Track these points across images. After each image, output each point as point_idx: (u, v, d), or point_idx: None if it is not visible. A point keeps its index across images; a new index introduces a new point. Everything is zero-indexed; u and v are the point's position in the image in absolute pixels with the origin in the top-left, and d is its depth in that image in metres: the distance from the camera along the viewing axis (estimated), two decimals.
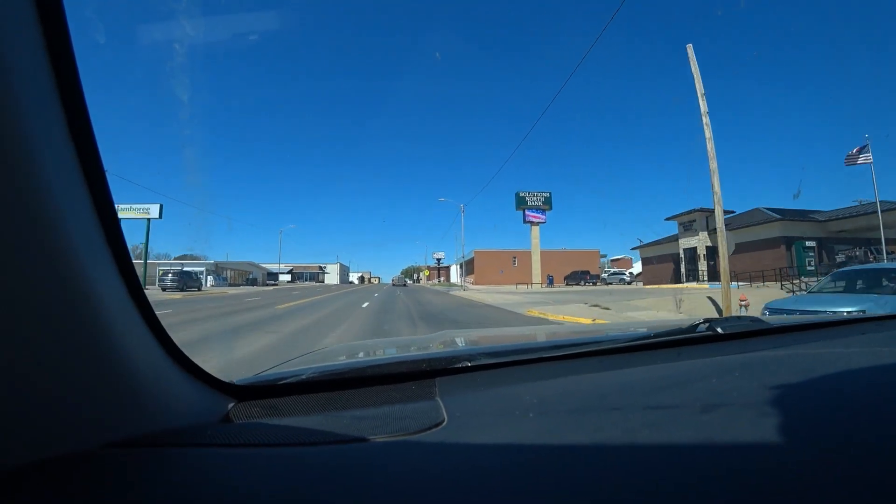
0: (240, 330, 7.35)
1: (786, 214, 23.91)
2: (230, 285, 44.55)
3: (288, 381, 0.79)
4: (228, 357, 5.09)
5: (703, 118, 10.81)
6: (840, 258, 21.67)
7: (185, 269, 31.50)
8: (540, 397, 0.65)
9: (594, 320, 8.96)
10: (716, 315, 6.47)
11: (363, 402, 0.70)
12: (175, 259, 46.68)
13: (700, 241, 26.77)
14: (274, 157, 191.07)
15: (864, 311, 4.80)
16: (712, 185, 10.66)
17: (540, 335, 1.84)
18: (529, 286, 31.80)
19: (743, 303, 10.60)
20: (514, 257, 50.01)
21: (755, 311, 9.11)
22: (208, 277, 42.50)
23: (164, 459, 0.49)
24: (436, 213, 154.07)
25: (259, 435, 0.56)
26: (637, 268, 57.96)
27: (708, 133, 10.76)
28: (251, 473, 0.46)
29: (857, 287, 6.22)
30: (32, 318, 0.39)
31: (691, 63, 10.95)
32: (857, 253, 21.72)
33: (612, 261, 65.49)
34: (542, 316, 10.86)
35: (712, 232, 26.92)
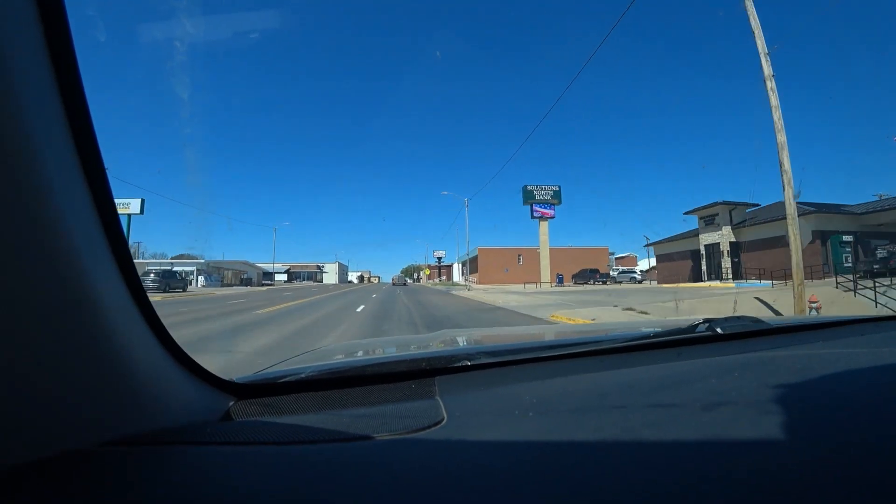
0: (195, 344, 5.52)
1: (819, 207, 21.99)
2: (223, 285, 42.67)
3: (288, 379, 0.79)
4: None
5: (767, 83, 8.88)
6: (881, 253, 19.78)
7: (169, 268, 29.46)
8: (540, 397, 0.65)
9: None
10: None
11: (363, 401, 0.70)
12: (172, 258, 44.81)
13: (723, 236, 24.86)
14: (274, 156, 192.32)
15: None
16: (780, 163, 8.75)
17: (540, 335, 1.85)
18: (538, 285, 29.92)
19: (813, 305, 8.75)
20: (519, 255, 47.91)
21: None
22: (199, 277, 40.60)
23: (164, 458, 0.49)
24: (436, 213, 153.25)
25: (259, 433, 0.56)
26: (642, 265, 56.56)
27: (774, 100, 8.83)
28: (251, 472, 0.46)
29: None
30: (32, 318, 0.39)
31: (750, 17, 9.01)
32: None
33: (617, 259, 63.67)
34: (571, 322, 9.01)
35: (738, 226, 25.11)
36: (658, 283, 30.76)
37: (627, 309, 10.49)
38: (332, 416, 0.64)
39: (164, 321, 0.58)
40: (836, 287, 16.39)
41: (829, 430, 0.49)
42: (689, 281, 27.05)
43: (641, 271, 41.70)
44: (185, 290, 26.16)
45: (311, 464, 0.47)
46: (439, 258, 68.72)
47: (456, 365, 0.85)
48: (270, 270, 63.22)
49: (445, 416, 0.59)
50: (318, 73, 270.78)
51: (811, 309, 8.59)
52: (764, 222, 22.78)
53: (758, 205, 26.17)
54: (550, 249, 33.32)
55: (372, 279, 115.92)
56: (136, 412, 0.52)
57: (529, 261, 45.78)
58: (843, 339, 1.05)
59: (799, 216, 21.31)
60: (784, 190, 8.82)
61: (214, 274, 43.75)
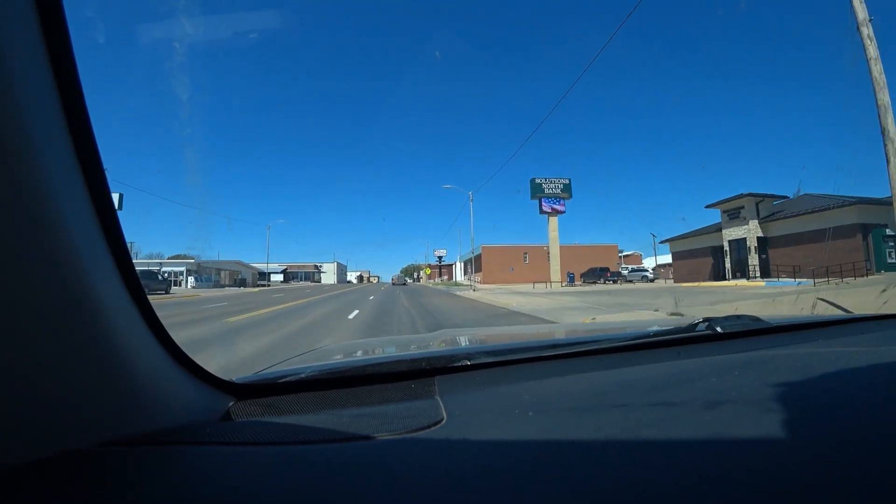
0: None
1: (860, 199, 20.06)
2: (215, 286, 40.79)
3: (288, 379, 0.79)
4: None
5: (862, 29, 6.99)
6: None
7: (153, 268, 27.52)
8: (540, 396, 0.65)
9: None
10: None
11: (363, 401, 0.70)
12: (169, 258, 42.95)
13: (750, 230, 22.94)
14: (274, 156, 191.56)
15: None
16: (884, 130, 6.87)
17: (540, 334, 1.86)
18: (548, 285, 27.95)
19: None
20: (525, 253, 45.82)
21: None
22: (189, 278, 38.74)
23: (163, 458, 0.49)
24: (436, 213, 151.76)
25: (259, 433, 0.56)
26: (646, 263, 54.77)
27: (872, 51, 6.94)
28: (251, 472, 0.46)
29: None
30: (32, 318, 0.39)
31: None
32: None
33: (622, 257, 61.74)
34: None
35: (765, 220, 23.02)
36: (675, 281, 28.87)
37: (674, 314, 8.64)
38: (332, 416, 0.63)
39: None
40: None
41: (830, 429, 0.49)
42: (710, 279, 25.16)
43: (653, 270, 39.79)
44: (167, 293, 24.23)
45: (311, 464, 0.47)
46: (440, 257, 66.79)
47: (456, 364, 0.85)
48: (266, 271, 61.33)
49: (445, 415, 0.59)
50: (317, 73, 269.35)
51: None
52: (797, 215, 20.87)
53: (785, 197, 24.30)
54: (559, 247, 31.40)
55: (371, 279, 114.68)
56: (135, 412, 0.52)
57: (536, 259, 43.87)
58: (843, 338, 1.05)
59: (837, 207, 19.55)
60: (888, 163, 6.89)
61: (205, 274, 41.84)
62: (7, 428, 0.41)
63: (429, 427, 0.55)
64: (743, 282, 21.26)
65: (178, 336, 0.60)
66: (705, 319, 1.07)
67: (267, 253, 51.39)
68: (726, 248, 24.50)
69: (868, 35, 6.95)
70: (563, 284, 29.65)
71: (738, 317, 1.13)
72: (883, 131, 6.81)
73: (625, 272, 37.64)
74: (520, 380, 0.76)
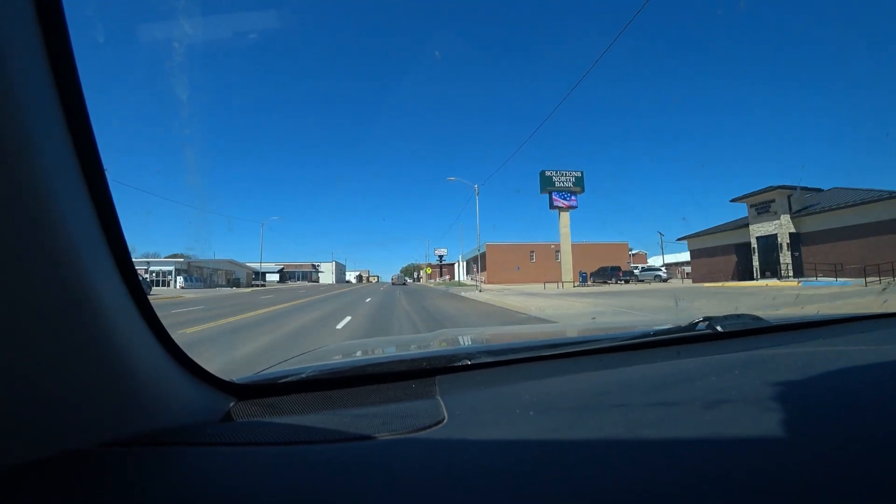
0: None
1: None
2: (206, 286, 38.89)
3: (288, 379, 0.78)
4: None
5: None
6: None
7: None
8: (540, 395, 0.65)
9: None
10: None
11: (364, 401, 0.70)
12: (166, 258, 40.98)
13: (781, 226, 21.06)
14: (274, 156, 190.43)
15: None
16: None
17: (540, 334, 1.85)
18: (560, 285, 25.98)
19: None
20: (531, 252, 43.67)
21: None
22: (178, 278, 36.82)
23: (164, 458, 0.49)
24: (436, 213, 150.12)
25: (260, 434, 0.56)
26: (652, 262, 52.96)
27: None
28: (252, 472, 0.46)
29: None
30: (32, 318, 0.39)
31: None
32: None
33: (631, 256, 59.88)
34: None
35: (798, 214, 20.41)
36: (693, 281, 27.01)
37: None
38: (333, 416, 0.63)
39: None
40: None
41: (831, 428, 0.49)
42: (735, 279, 23.31)
43: (665, 269, 37.90)
44: (147, 294, 22.29)
45: (312, 464, 0.47)
46: (440, 256, 65.02)
47: (456, 364, 0.84)
48: (262, 270, 59.43)
49: (446, 415, 0.58)
50: (317, 73, 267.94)
51: None
52: (835, 209, 18.99)
53: (818, 189, 22.43)
54: (562, 246, 29.43)
55: (371, 278, 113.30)
56: (136, 412, 0.51)
57: (543, 258, 41.94)
58: (844, 337, 1.04)
59: (881, 200, 17.61)
60: None
61: (196, 274, 39.94)
62: (7, 428, 0.40)
63: (430, 427, 0.55)
64: (774, 282, 19.38)
65: None
66: (705, 318, 1.07)
67: (261, 252, 49.55)
68: (754, 244, 22.61)
69: None
70: (576, 284, 27.72)
71: (738, 316, 1.12)
72: None
73: (636, 271, 35.75)
74: (520, 379, 0.75)
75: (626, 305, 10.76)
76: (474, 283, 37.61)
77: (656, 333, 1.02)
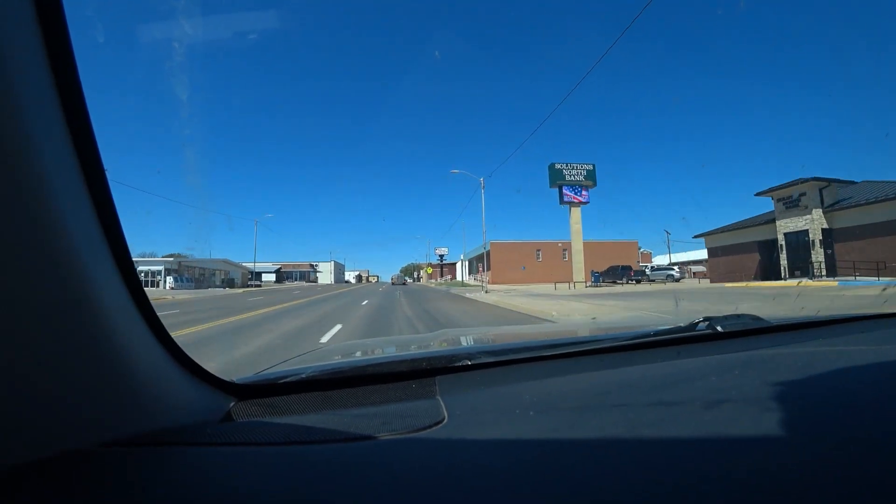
0: None
1: None
2: (197, 287, 37.28)
3: (288, 379, 0.78)
4: None
5: None
6: None
7: None
8: (540, 395, 0.65)
9: None
10: None
11: (364, 401, 0.70)
12: (163, 257, 39.37)
13: (813, 221, 19.41)
14: (274, 156, 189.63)
15: None
16: None
17: (540, 334, 1.84)
18: (572, 285, 24.33)
19: None
20: (537, 250, 41.82)
21: None
22: (168, 278, 35.20)
23: (164, 458, 0.49)
24: (436, 213, 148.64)
25: (260, 434, 0.56)
26: (657, 261, 51.49)
27: None
28: (252, 472, 0.46)
29: None
30: (32, 318, 0.39)
31: None
32: None
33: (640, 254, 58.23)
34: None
35: (830, 209, 18.51)
36: (711, 281, 25.41)
37: None
38: (333, 416, 0.63)
39: None
40: None
41: (831, 428, 0.49)
42: (758, 279, 21.70)
43: (678, 268, 36.27)
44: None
45: (312, 464, 0.47)
46: (441, 256, 63.31)
47: (456, 364, 0.84)
48: (259, 270, 57.79)
49: (446, 415, 0.58)
50: (317, 73, 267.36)
51: None
52: (876, 202, 17.36)
53: (852, 182, 20.81)
54: (573, 243, 27.76)
55: (370, 278, 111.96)
56: (136, 412, 0.51)
57: (549, 257, 40.29)
58: (844, 337, 1.03)
59: None
60: None
61: (187, 274, 38.32)
62: (7, 428, 0.40)
63: (430, 427, 0.55)
64: (807, 281, 17.78)
65: None
66: (705, 319, 1.06)
67: (255, 250, 47.98)
68: (781, 241, 20.97)
69: None
70: (588, 284, 26.10)
71: (738, 316, 1.12)
72: None
73: (647, 271, 34.13)
74: (520, 379, 0.75)
75: (668, 310, 9.11)
76: (477, 283, 35.93)
77: (657, 334, 1.01)
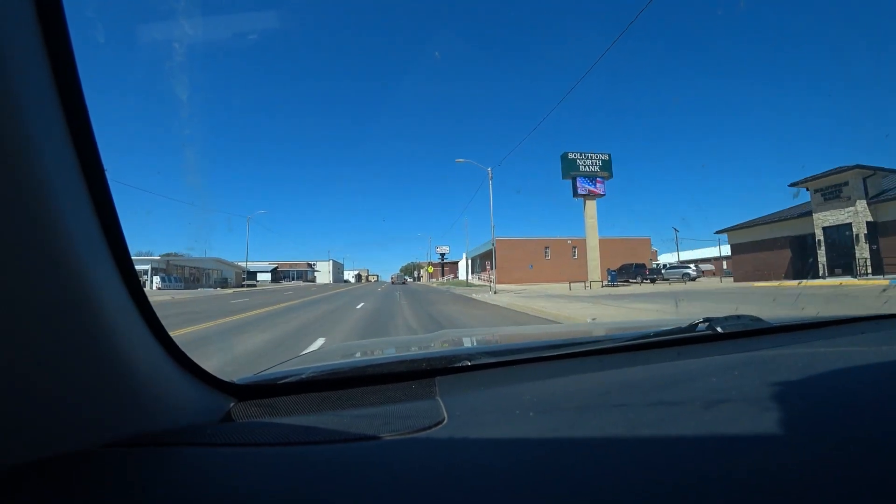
0: None
1: None
2: (187, 287, 35.43)
3: (288, 380, 0.78)
4: None
5: None
6: None
7: None
8: (541, 396, 0.65)
9: None
10: None
11: (363, 401, 0.70)
12: (161, 256, 37.51)
13: (857, 213, 17.56)
14: (274, 156, 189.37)
15: None
16: None
17: (540, 334, 1.83)
18: (588, 285, 22.50)
19: None
20: (546, 247, 39.75)
21: None
22: (154, 278, 33.33)
23: (164, 459, 0.49)
24: (436, 213, 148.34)
25: (259, 434, 0.56)
26: (663, 259, 49.70)
27: None
28: (252, 473, 0.46)
29: None
30: (32, 319, 0.39)
31: None
32: None
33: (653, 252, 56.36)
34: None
35: (876, 200, 16.43)
36: (735, 280, 23.56)
37: None
38: (333, 417, 0.64)
39: None
40: None
41: (831, 428, 0.49)
42: (789, 277, 19.88)
43: (694, 266, 34.40)
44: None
45: (312, 464, 0.47)
46: (442, 254, 61.42)
47: (456, 365, 0.84)
48: (254, 269, 55.92)
49: (446, 415, 0.59)
50: (317, 73, 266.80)
51: None
52: None
53: (894, 170, 18.94)
54: (582, 240, 25.82)
55: (370, 277, 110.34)
56: (136, 413, 0.52)
57: (558, 254, 38.35)
58: (844, 338, 1.03)
59: None
60: None
61: (176, 273, 36.44)
62: (7, 428, 0.40)
63: (430, 427, 0.55)
64: (850, 280, 15.96)
65: None
66: (706, 319, 1.07)
67: (247, 249, 46.15)
68: (819, 236, 19.12)
69: None
70: (604, 284, 24.26)
71: (739, 317, 1.13)
72: None
73: (662, 269, 32.27)
74: (521, 380, 0.75)
75: (706, 311, 7.24)
76: (482, 282, 34.03)
77: (657, 334, 1.01)
